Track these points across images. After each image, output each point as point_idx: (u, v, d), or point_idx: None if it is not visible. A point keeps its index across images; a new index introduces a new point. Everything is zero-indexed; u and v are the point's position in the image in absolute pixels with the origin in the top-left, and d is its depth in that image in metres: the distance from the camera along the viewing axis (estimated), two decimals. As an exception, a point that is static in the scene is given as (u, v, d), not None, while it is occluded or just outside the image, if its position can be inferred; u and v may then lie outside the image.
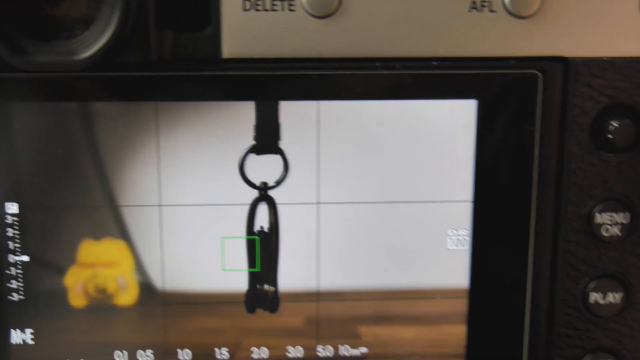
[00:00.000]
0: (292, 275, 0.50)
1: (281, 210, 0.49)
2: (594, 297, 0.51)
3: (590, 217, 0.50)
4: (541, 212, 0.50)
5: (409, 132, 0.49)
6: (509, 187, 0.49)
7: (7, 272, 0.48)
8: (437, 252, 0.50)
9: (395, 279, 0.50)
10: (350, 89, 0.48)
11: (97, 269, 0.49)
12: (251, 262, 0.50)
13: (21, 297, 0.49)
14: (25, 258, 0.49)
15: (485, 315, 0.51)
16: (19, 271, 0.49)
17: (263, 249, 0.49)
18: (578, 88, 0.48)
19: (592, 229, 0.50)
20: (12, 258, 0.48)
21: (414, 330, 0.52)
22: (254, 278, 0.50)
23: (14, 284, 0.49)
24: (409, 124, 0.48)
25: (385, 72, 0.47)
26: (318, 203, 0.49)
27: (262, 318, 0.50)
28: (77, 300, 0.49)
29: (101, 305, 0.49)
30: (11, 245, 0.48)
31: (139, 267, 0.49)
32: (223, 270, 0.50)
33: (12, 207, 0.48)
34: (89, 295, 0.49)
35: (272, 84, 0.47)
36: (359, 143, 0.49)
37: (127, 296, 0.49)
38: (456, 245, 0.50)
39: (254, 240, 0.49)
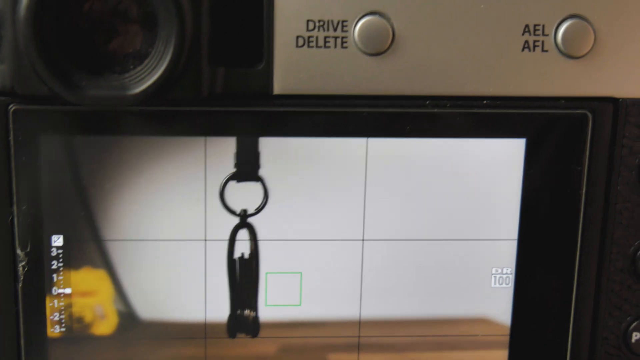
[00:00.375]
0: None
1: (326, 247, 0.49)
2: (636, 336, 0.51)
3: (635, 257, 0.50)
4: (586, 252, 0.50)
5: (456, 170, 0.48)
6: (554, 226, 0.49)
7: (51, 305, 0.48)
8: (482, 289, 0.50)
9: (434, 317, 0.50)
10: (400, 127, 0.47)
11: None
12: (232, 288, 0.49)
13: (62, 330, 0.49)
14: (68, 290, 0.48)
15: (527, 355, 0.50)
16: (62, 304, 0.48)
17: (243, 275, 0.49)
18: (627, 129, 0.48)
19: (637, 269, 0.50)
20: (55, 291, 0.48)
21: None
22: (235, 303, 0.49)
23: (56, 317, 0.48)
24: (458, 161, 0.48)
25: (435, 110, 0.47)
26: (363, 240, 0.49)
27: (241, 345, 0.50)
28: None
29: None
30: (55, 278, 0.48)
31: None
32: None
33: (58, 240, 0.47)
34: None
35: (322, 120, 0.47)
36: (407, 180, 0.48)
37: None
38: (500, 284, 0.50)
39: (234, 265, 0.49)
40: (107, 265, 0.48)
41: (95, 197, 0.47)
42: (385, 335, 0.51)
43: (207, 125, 0.46)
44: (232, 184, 0.48)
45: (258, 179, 0.48)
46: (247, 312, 0.50)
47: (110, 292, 0.48)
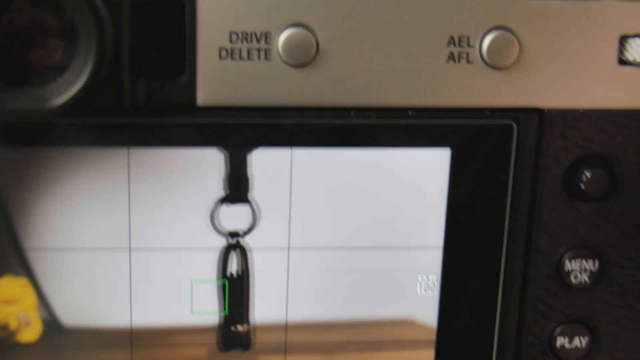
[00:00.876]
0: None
1: (254, 255, 0.49)
2: (561, 341, 0.52)
3: (560, 265, 0.50)
4: (511, 259, 0.50)
5: (382, 179, 0.49)
6: (480, 235, 0.50)
7: None
8: (407, 297, 0.50)
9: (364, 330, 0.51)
10: (324, 137, 0.47)
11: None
12: (222, 306, 0.49)
13: None
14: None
15: (453, 358, 0.51)
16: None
17: (233, 293, 0.49)
18: (552, 139, 0.49)
19: (562, 276, 0.51)
20: None
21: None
22: (228, 320, 0.50)
23: None
24: (383, 171, 0.48)
25: (360, 121, 0.47)
26: (289, 247, 0.49)
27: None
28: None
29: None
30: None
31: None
32: (192, 313, 0.50)
33: None
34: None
35: (245, 131, 0.47)
36: (330, 190, 0.48)
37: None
38: (425, 291, 0.50)
39: (224, 284, 0.49)
40: (28, 273, 0.48)
41: (14, 206, 0.47)
42: (312, 338, 0.51)
43: (130, 137, 0.46)
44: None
45: (247, 201, 0.48)
46: (240, 327, 0.50)
47: (33, 299, 0.48)
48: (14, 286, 0.48)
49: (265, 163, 0.48)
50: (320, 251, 0.49)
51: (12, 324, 0.49)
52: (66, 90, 0.43)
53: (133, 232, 0.48)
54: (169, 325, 0.50)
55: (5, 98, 0.43)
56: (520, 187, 0.49)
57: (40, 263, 0.48)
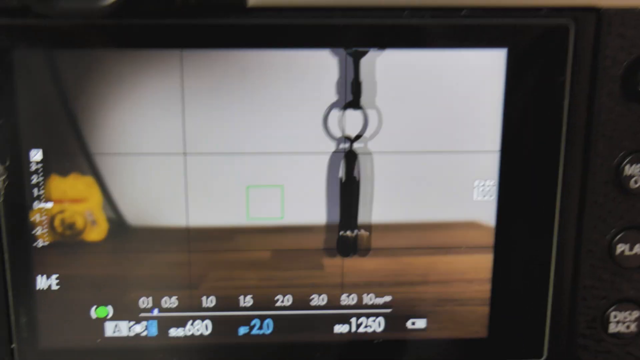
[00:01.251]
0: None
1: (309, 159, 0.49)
2: (621, 248, 0.51)
3: (618, 169, 0.49)
4: (569, 164, 0.49)
5: (437, 82, 0.48)
6: (537, 138, 0.49)
7: (32, 219, 0.49)
8: (464, 202, 0.50)
9: (422, 234, 0.50)
10: (378, 38, 0.47)
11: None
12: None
13: (45, 243, 0.49)
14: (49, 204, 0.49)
15: (510, 267, 0.51)
16: (44, 217, 0.49)
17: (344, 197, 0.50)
18: (610, 39, 0.47)
19: (621, 181, 0.50)
20: (36, 205, 0.49)
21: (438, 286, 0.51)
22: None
23: (38, 231, 0.49)
24: (438, 73, 0.48)
25: (414, 21, 0.46)
26: (347, 151, 0.49)
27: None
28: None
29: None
30: (35, 192, 0.48)
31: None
32: (248, 219, 0.50)
33: (37, 154, 0.48)
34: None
35: (297, 32, 0.46)
36: (387, 92, 0.48)
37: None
38: (483, 196, 0.50)
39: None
40: (94, 172, 0.48)
41: (73, 110, 0.47)
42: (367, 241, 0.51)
43: (181, 37, 0.46)
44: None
45: (359, 107, 0.48)
46: (349, 232, 0.50)
47: (99, 198, 0.49)
48: (80, 185, 0.48)
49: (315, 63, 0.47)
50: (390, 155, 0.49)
51: (79, 223, 0.49)
52: (117, -10, 0.43)
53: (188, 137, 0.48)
54: (226, 226, 0.50)
55: (58, -2, 0.43)
56: (578, 89, 0.48)
57: (104, 165, 0.48)
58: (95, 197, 0.49)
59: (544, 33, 0.47)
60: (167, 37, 0.46)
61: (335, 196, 0.49)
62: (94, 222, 0.49)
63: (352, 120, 0.48)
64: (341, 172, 0.49)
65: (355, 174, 0.49)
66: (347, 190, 0.49)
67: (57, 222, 0.49)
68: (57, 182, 0.48)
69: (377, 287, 0.51)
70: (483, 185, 0.50)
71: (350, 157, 0.49)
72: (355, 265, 0.51)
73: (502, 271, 0.51)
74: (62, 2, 0.43)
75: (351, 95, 0.48)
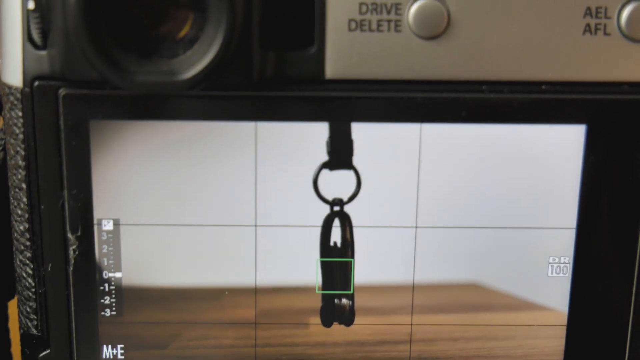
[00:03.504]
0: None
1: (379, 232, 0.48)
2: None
3: (699, 247, 0.48)
4: (647, 242, 0.48)
5: (515, 156, 0.47)
6: (615, 215, 0.48)
7: (101, 288, 0.48)
8: (538, 279, 0.49)
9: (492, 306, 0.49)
10: (455, 112, 0.46)
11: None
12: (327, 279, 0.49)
13: (113, 313, 0.49)
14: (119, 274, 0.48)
15: (584, 348, 0.49)
16: (112, 287, 0.48)
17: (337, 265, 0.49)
18: (691, 115, 0.46)
19: (700, 258, 0.48)
20: (105, 274, 0.48)
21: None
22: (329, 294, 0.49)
23: (107, 300, 0.48)
24: (516, 148, 0.47)
25: (492, 95, 0.46)
26: (416, 227, 0.48)
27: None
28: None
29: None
30: (105, 262, 0.48)
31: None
32: (317, 291, 0.49)
33: (108, 224, 0.47)
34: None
35: (375, 105, 0.46)
36: (461, 166, 0.47)
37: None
38: (557, 273, 0.49)
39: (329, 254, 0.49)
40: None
41: (145, 181, 0.47)
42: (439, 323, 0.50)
43: (258, 110, 0.45)
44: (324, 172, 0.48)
45: (351, 167, 0.47)
46: (343, 301, 0.49)
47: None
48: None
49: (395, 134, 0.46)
50: (448, 231, 0.48)
51: None
52: (196, 63, 0.43)
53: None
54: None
55: (136, 70, 0.43)
56: (658, 166, 0.47)
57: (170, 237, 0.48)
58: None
59: (625, 109, 0.46)
60: (244, 109, 0.45)
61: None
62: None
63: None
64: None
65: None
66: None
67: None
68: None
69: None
70: (558, 262, 0.49)
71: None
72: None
73: (575, 350, 0.49)
74: (141, 76, 0.42)
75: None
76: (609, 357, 0.49)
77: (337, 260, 0.49)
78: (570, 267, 0.49)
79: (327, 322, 0.50)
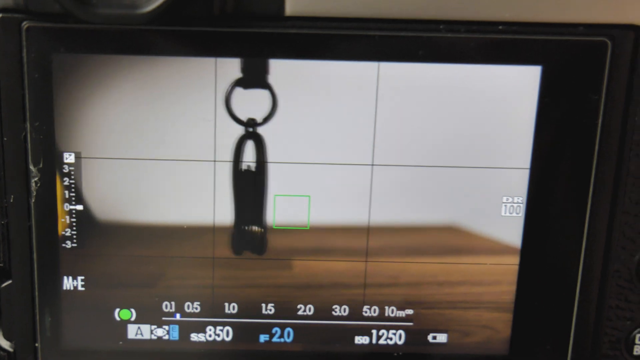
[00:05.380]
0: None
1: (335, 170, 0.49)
2: (649, 269, 0.50)
3: (652, 190, 0.49)
4: (600, 183, 0.49)
5: (470, 96, 0.48)
6: (568, 156, 0.49)
7: (62, 220, 0.49)
8: (491, 218, 0.50)
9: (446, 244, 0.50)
10: (412, 51, 0.47)
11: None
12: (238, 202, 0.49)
13: (74, 245, 0.49)
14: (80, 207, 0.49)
15: (535, 285, 0.50)
16: (74, 220, 0.49)
17: (250, 189, 0.49)
18: (648, 57, 0.47)
19: (654, 204, 0.49)
20: (67, 207, 0.49)
21: (461, 290, 0.51)
22: (240, 219, 0.50)
23: (67, 232, 0.49)
24: (471, 88, 0.48)
25: (449, 35, 0.46)
26: (372, 165, 0.49)
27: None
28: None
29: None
30: (67, 194, 0.48)
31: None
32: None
33: (69, 157, 0.48)
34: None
35: (334, 43, 0.46)
36: (418, 106, 0.48)
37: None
38: (510, 213, 0.50)
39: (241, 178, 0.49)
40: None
41: (107, 115, 0.47)
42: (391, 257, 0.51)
43: (217, 46, 0.46)
44: (239, 91, 0.47)
45: (266, 85, 0.47)
46: (254, 228, 0.50)
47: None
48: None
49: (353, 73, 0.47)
50: (403, 168, 0.49)
51: None
52: (156, -4, 0.43)
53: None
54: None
55: (97, 4, 0.43)
56: (613, 108, 0.48)
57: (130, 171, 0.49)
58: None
59: (580, 50, 0.47)
60: (203, 44, 0.46)
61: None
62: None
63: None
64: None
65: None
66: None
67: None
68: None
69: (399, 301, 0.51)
70: (511, 202, 0.49)
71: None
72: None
73: (527, 289, 0.50)
74: (102, 8, 0.43)
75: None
76: (560, 295, 0.50)
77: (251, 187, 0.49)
78: (523, 207, 0.50)
79: (238, 251, 0.50)
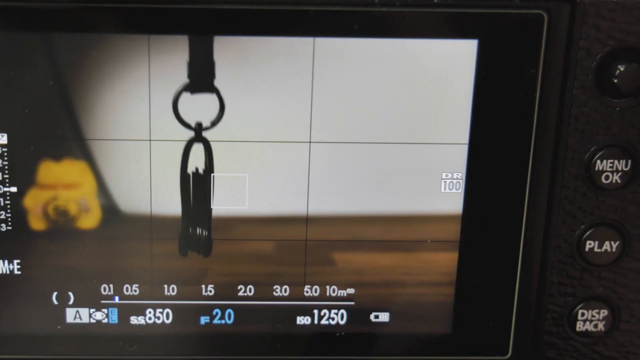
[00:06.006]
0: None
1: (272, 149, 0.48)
2: (590, 245, 0.50)
3: (590, 164, 0.49)
4: (539, 157, 0.48)
5: (406, 71, 0.47)
6: (507, 131, 0.48)
7: None
8: (431, 194, 0.49)
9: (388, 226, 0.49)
10: (348, 26, 0.46)
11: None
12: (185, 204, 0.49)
13: (9, 228, 0.48)
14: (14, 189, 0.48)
15: (476, 261, 0.50)
16: (7, 202, 0.48)
17: (196, 191, 0.48)
18: (585, 30, 0.47)
19: (592, 176, 0.49)
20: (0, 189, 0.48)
21: (402, 269, 0.51)
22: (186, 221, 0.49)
23: (2, 215, 0.48)
24: (408, 63, 0.47)
25: (384, 9, 0.46)
26: (310, 142, 0.48)
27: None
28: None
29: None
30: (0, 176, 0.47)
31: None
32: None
33: (2, 138, 0.47)
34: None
35: (268, 18, 0.45)
36: (355, 82, 0.47)
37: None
38: (450, 189, 0.49)
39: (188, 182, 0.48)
40: (87, 158, 0.48)
41: (39, 95, 0.46)
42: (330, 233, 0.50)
43: (152, 23, 0.45)
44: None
45: (213, 90, 0.46)
46: (199, 230, 0.49)
47: (93, 185, 0.49)
48: (74, 170, 0.48)
49: (288, 48, 0.46)
50: (341, 146, 0.48)
51: (72, 210, 0.48)
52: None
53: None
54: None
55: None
56: (550, 81, 0.47)
57: (98, 150, 0.48)
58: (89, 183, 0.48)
59: (516, 23, 0.46)
60: (135, 21, 0.45)
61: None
62: (87, 209, 0.48)
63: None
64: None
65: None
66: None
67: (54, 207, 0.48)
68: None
69: (341, 281, 0.50)
70: (451, 177, 0.49)
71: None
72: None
73: (468, 266, 0.50)
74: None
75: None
76: (501, 272, 0.50)
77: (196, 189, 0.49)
78: (462, 183, 0.49)
79: (183, 252, 0.50)
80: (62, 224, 0.49)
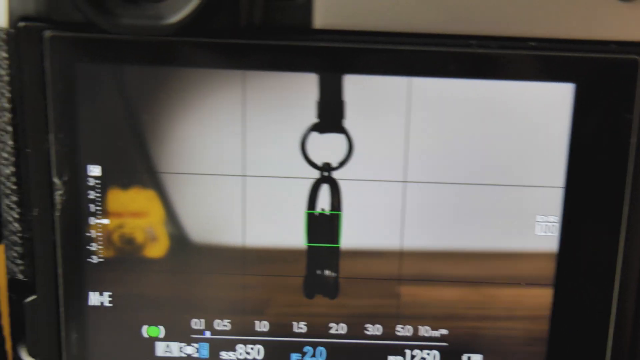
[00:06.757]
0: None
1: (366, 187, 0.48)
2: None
3: (688, 210, 0.48)
4: (635, 202, 0.48)
5: (502, 113, 0.47)
6: (602, 175, 0.48)
7: (87, 234, 0.48)
8: (525, 237, 0.49)
9: (480, 265, 0.49)
10: (443, 66, 0.46)
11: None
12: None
13: (100, 259, 0.49)
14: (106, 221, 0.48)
15: (570, 306, 0.49)
16: (99, 234, 0.48)
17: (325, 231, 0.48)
18: (681, 75, 0.46)
19: (688, 222, 0.48)
20: (92, 221, 0.48)
21: (496, 311, 0.50)
22: (312, 263, 0.49)
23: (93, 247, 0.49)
24: (504, 105, 0.47)
25: (480, 50, 0.46)
26: (405, 182, 0.48)
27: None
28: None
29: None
30: (92, 208, 0.48)
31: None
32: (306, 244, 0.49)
33: (95, 170, 0.47)
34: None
35: (363, 57, 0.46)
36: (448, 122, 0.47)
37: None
38: (544, 232, 0.49)
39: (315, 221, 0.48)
40: (156, 187, 0.48)
41: (133, 127, 0.47)
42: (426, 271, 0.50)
43: (245, 58, 0.45)
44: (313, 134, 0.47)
45: (342, 130, 0.47)
46: (327, 272, 0.49)
47: (161, 214, 0.48)
48: (142, 199, 0.48)
49: (383, 89, 0.46)
50: (436, 187, 0.48)
51: (139, 238, 0.48)
52: (182, 7, 0.43)
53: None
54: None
55: (121, 13, 0.43)
56: (646, 126, 0.47)
57: (168, 181, 0.48)
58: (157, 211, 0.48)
59: (611, 67, 0.46)
60: (231, 57, 0.45)
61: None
62: (154, 238, 0.48)
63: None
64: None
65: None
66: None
67: (115, 237, 0.48)
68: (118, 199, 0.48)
69: (433, 320, 0.50)
70: (545, 220, 0.48)
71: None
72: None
73: (562, 310, 0.49)
74: (126, 19, 0.43)
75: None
76: (596, 316, 0.49)
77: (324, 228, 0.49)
78: (558, 226, 0.48)
79: (310, 294, 0.50)
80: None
